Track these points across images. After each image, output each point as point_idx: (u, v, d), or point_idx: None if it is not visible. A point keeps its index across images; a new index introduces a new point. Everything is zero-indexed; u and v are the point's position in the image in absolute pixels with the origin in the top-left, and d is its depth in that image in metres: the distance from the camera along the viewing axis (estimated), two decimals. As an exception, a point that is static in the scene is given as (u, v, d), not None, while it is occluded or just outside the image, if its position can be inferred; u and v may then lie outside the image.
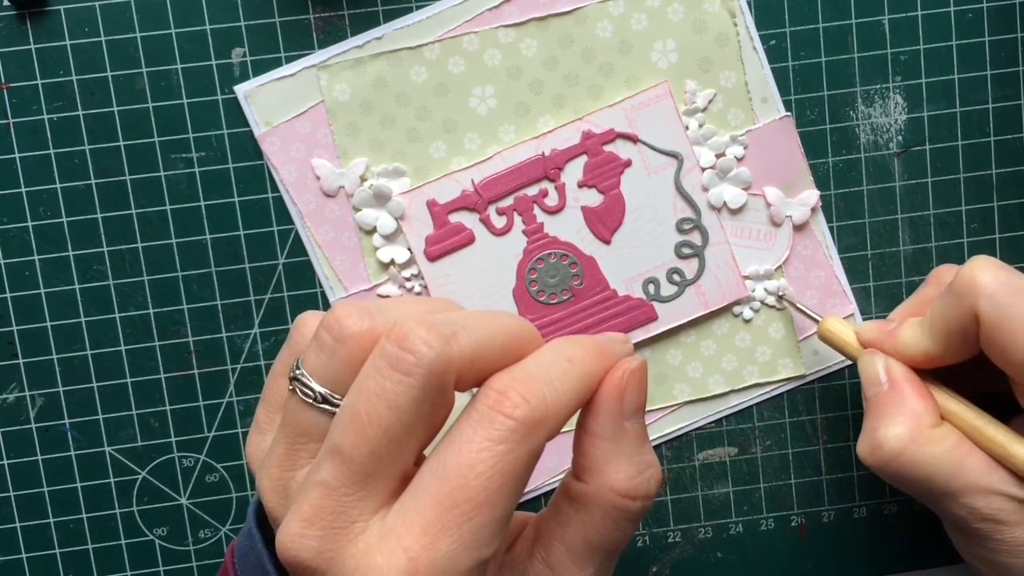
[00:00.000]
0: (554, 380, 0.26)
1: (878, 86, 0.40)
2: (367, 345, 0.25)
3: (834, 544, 0.42)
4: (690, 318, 0.40)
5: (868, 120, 0.40)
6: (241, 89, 0.38)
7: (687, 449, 0.41)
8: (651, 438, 0.40)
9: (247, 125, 0.39)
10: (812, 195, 0.40)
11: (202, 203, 0.39)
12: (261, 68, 0.39)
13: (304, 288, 0.40)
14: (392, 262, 0.39)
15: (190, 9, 0.38)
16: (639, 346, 0.40)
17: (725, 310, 0.40)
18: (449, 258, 0.39)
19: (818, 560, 0.42)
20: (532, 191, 0.39)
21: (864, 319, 0.41)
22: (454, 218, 0.39)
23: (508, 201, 0.39)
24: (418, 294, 0.40)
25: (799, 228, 0.40)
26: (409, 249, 0.39)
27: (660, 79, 0.39)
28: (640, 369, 0.28)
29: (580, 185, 0.39)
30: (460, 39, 0.39)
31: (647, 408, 0.39)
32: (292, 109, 0.39)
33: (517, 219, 0.39)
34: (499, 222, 0.39)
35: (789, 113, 0.40)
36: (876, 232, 0.41)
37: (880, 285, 0.41)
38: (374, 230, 0.39)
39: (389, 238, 0.39)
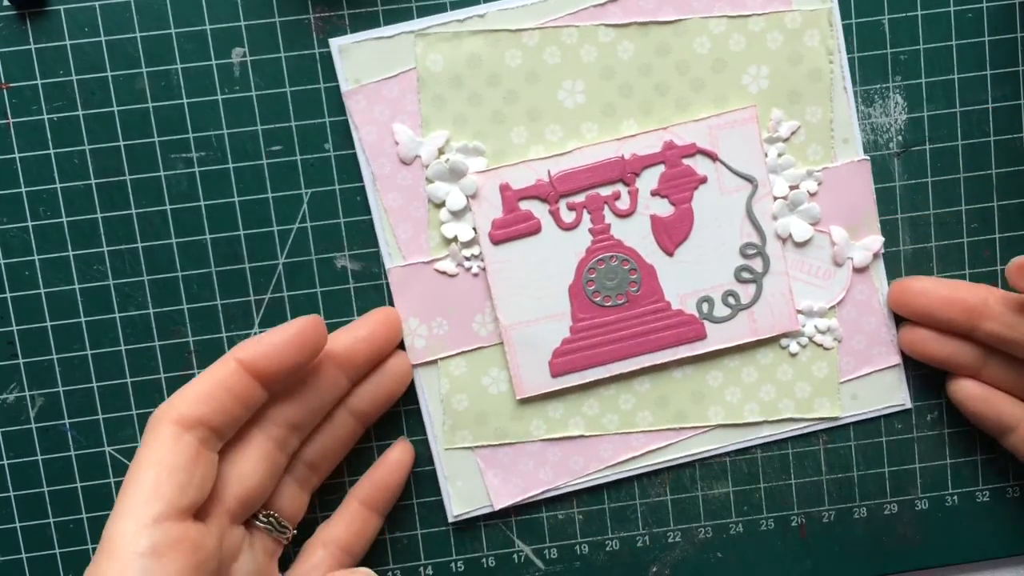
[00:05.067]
0: None
1: (878, 86, 0.40)
2: None
3: (834, 544, 0.42)
4: (738, 342, 0.40)
5: (868, 120, 0.40)
6: (336, 43, 0.38)
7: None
8: (678, 456, 0.41)
9: (247, 125, 0.39)
10: (876, 241, 0.40)
11: (202, 203, 0.39)
12: (261, 68, 0.39)
13: (304, 288, 0.40)
14: (455, 239, 0.39)
15: (190, 9, 0.38)
16: (683, 362, 0.40)
17: (772, 340, 0.40)
18: (512, 244, 0.39)
19: (818, 560, 0.42)
20: (605, 191, 0.39)
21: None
22: (524, 205, 0.39)
23: (580, 198, 0.39)
24: (475, 275, 0.39)
25: (858, 271, 0.40)
26: (474, 229, 0.39)
27: (748, 103, 0.39)
28: None
29: (653, 193, 0.39)
30: (560, 30, 0.38)
31: (681, 424, 0.40)
32: (383, 71, 0.39)
33: (586, 216, 0.39)
34: (568, 217, 0.39)
35: (867, 157, 0.40)
36: (876, 232, 0.41)
37: (880, 285, 0.41)
38: (443, 204, 0.39)
39: (457, 215, 0.39)
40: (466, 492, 0.41)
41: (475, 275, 0.40)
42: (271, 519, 0.37)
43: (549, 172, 0.39)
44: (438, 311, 0.40)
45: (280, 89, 0.39)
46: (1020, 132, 0.40)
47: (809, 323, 0.40)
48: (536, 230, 0.39)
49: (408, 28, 0.38)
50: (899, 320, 0.40)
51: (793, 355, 0.40)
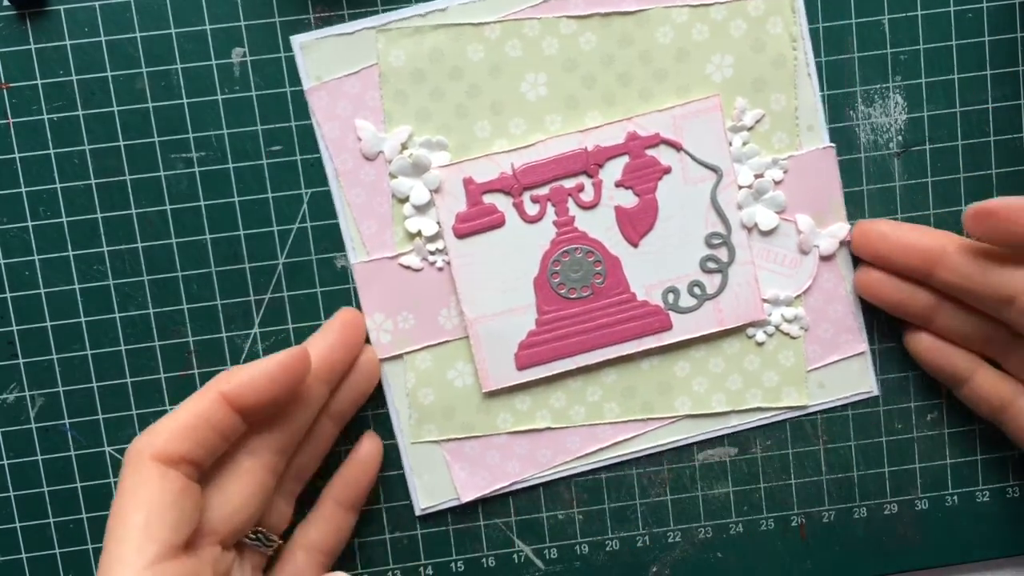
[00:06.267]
0: None
1: (878, 86, 0.40)
2: None
3: (834, 544, 0.42)
4: (704, 332, 0.40)
5: (868, 120, 0.40)
6: (298, 40, 0.38)
7: (687, 449, 0.41)
8: (647, 447, 0.41)
9: (247, 125, 0.39)
10: (842, 228, 0.40)
11: (202, 203, 0.39)
12: (261, 68, 0.39)
13: (304, 288, 0.40)
14: (419, 233, 0.39)
15: (190, 9, 0.38)
16: (650, 353, 0.40)
17: (739, 330, 0.40)
18: (477, 238, 0.39)
19: (818, 560, 0.42)
20: (569, 184, 0.39)
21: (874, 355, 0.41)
22: (488, 199, 0.39)
23: (544, 190, 0.39)
24: (440, 269, 0.39)
25: (825, 259, 0.40)
26: (438, 223, 0.39)
27: (712, 92, 0.39)
28: None
29: (617, 185, 0.39)
30: (522, 23, 0.38)
31: (648, 415, 0.40)
32: (345, 67, 0.39)
33: (550, 209, 0.39)
34: (532, 209, 0.39)
35: (832, 144, 0.40)
36: (876, 232, 0.41)
37: (880, 285, 0.41)
38: (407, 199, 0.39)
39: (420, 209, 0.39)
40: (432, 485, 0.41)
41: (440, 269, 0.40)
42: (259, 535, 0.36)
43: (512, 165, 0.39)
44: (404, 306, 0.40)
45: (280, 89, 0.39)
46: (1020, 132, 0.40)
47: (776, 312, 0.40)
48: (500, 223, 0.39)
49: (370, 24, 0.38)
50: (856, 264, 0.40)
51: (760, 344, 0.40)
